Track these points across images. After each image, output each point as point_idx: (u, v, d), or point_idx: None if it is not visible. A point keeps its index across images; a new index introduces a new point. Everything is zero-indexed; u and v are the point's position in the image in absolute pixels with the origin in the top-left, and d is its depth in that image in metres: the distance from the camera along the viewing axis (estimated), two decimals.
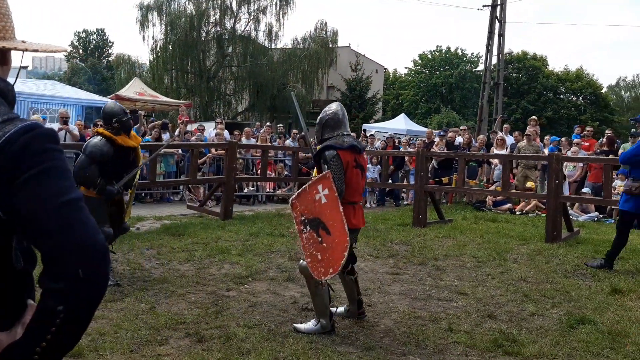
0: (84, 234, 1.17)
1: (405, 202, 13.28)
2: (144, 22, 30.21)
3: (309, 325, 4.40)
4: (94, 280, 1.16)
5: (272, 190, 13.31)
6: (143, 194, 11.93)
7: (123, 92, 19.96)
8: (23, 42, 1.33)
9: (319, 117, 4.71)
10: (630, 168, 6.67)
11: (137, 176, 5.93)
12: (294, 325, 4.45)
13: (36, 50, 1.31)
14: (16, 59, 1.36)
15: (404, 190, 13.80)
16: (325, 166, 4.38)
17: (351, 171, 4.41)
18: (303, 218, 4.30)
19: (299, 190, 4.43)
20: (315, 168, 4.77)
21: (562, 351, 4.15)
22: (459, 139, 13.79)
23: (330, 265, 4.12)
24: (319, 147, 4.55)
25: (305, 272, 4.38)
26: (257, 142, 13.52)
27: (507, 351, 4.12)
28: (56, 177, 1.19)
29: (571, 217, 9.13)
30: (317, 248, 4.20)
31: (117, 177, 5.59)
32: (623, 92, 53.47)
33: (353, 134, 5.24)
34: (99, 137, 5.48)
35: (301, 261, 4.45)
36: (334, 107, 4.71)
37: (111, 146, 5.45)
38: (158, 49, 30.24)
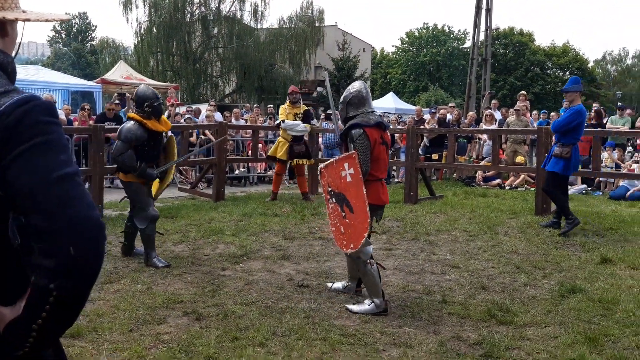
0: (78, 210, 1.13)
1: (396, 180, 13.34)
2: (127, 5, 29.77)
3: (363, 306, 4.35)
4: (86, 259, 1.12)
5: (263, 171, 13.30)
6: None
7: (109, 75, 19.76)
8: (24, 11, 1.29)
9: (342, 96, 4.70)
10: (560, 135, 7.24)
11: (173, 168, 5.91)
12: (346, 306, 4.41)
13: (37, 20, 1.28)
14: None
15: (394, 168, 13.85)
16: (352, 145, 4.41)
17: (378, 147, 4.44)
18: (330, 189, 4.44)
19: (328, 162, 4.53)
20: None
21: (554, 319, 4.24)
22: (449, 116, 13.83)
23: (352, 241, 4.26)
24: (345, 126, 4.58)
25: (354, 256, 4.39)
26: (247, 123, 13.46)
27: (501, 321, 4.19)
28: (51, 150, 1.16)
29: None
30: (340, 222, 4.34)
31: (151, 161, 5.65)
32: (609, 66, 53.62)
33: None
34: (131, 122, 5.51)
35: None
36: (357, 85, 4.70)
37: (144, 130, 5.48)
38: (142, 31, 29.88)
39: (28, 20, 1.29)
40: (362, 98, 4.58)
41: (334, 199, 4.41)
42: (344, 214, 4.33)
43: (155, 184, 5.91)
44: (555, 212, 7.59)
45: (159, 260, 5.52)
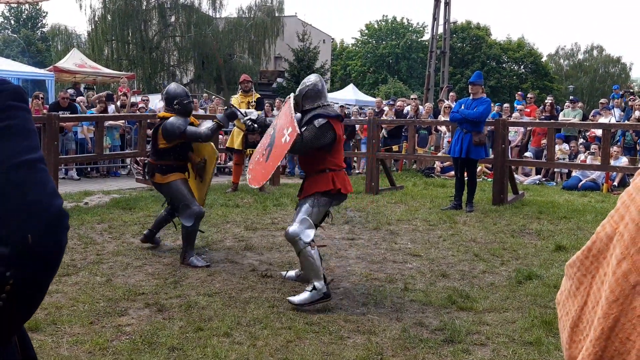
0: (38, 197, 1.08)
1: (357, 171, 13.43)
2: None
3: (304, 294, 4.21)
4: (45, 247, 1.08)
5: (223, 162, 13.17)
6: (89, 169, 11.58)
7: (62, 63, 19.14)
8: None
9: (298, 90, 4.66)
10: (472, 125, 7.89)
11: (215, 163, 5.74)
12: (288, 298, 4.26)
13: (8, 3, 1.22)
14: None
15: (354, 159, 13.93)
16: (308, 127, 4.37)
17: (340, 139, 4.48)
18: (275, 124, 4.66)
19: (290, 111, 4.43)
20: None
21: (512, 305, 4.36)
22: (407, 108, 13.99)
23: (253, 179, 4.63)
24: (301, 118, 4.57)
25: (291, 238, 4.35)
26: (206, 113, 13.28)
27: (461, 307, 4.29)
28: (15, 135, 1.11)
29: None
30: (260, 154, 4.66)
31: (183, 160, 5.51)
32: (562, 61, 55.07)
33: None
34: (173, 118, 5.36)
35: (288, 228, 4.39)
36: (312, 78, 4.66)
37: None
38: (96, 18, 28.98)
39: (8, 3, 1.22)
40: (317, 91, 4.54)
41: (271, 132, 4.63)
42: (264, 153, 4.58)
43: (193, 186, 5.64)
44: (455, 196, 8.25)
45: (197, 259, 5.26)
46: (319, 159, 4.41)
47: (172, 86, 5.74)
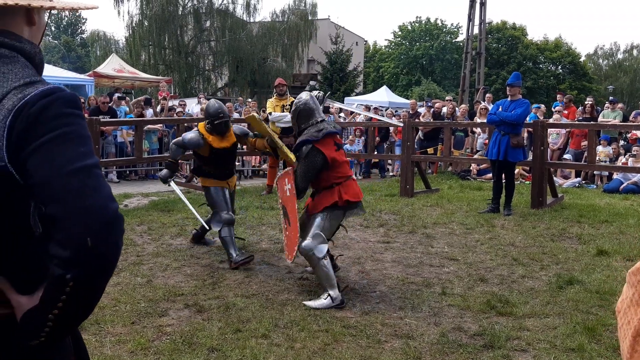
0: (95, 201, 1.13)
1: (391, 174, 13.36)
2: None
3: (320, 300, 4.32)
4: (103, 250, 1.12)
5: (257, 165, 13.28)
6: (128, 172, 11.83)
7: (101, 69, 19.62)
8: None
9: (292, 110, 4.83)
10: (511, 127, 7.75)
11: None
12: (304, 302, 4.35)
13: (63, 8, 1.26)
14: None
15: (389, 162, 13.87)
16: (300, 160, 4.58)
17: (337, 154, 4.58)
18: (280, 201, 4.79)
19: (280, 174, 4.80)
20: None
21: (552, 310, 4.28)
22: (443, 109, 13.86)
23: (289, 252, 4.61)
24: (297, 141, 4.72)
25: (305, 253, 4.44)
26: (240, 117, 13.41)
27: (500, 312, 4.23)
28: (72, 142, 1.16)
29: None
30: (284, 233, 4.73)
31: (223, 178, 5.69)
32: (601, 61, 53.73)
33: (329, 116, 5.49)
34: (196, 131, 5.62)
35: (301, 242, 4.47)
36: (303, 97, 4.83)
37: (204, 141, 5.52)
38: (134, 24, 29.65)
39: (53, 8, 1.27)
40: (309, 109, 4.70)
41: (282, 211, 4.77)
42: (285, 226, 4.68)
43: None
44: (493, 199, 8.15)
45: (239, 256, 5.31)
46: (323, 177, 4.55)
47: (210, 103, 5.79)
